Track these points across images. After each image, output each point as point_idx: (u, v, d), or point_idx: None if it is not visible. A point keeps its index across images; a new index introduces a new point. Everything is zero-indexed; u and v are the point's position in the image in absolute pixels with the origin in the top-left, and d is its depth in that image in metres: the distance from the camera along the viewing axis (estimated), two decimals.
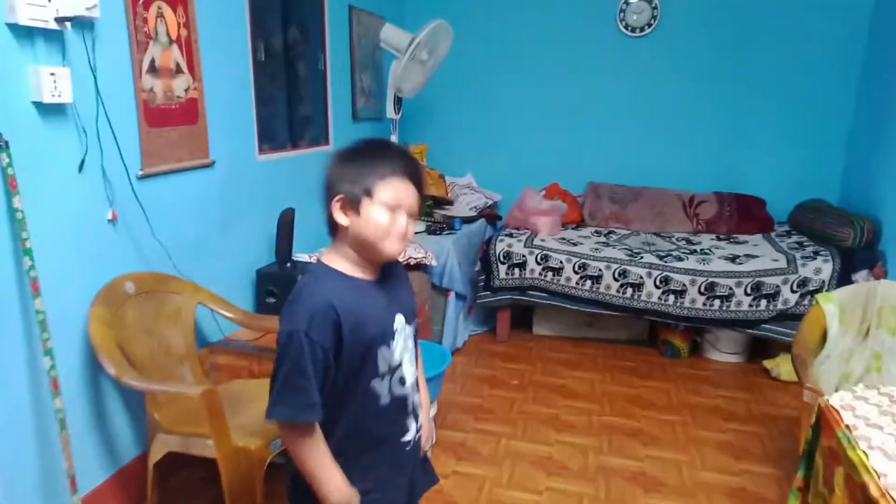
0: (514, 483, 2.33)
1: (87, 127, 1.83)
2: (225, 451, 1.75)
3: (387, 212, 1.13)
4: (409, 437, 1.26)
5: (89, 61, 1.78)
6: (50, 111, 1.71)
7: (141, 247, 2.09)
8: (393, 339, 1.19)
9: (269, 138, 2.90)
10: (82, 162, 1.82)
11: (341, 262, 1.19)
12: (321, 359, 1.09)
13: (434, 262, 3.25)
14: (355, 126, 3.73)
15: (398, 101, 3.54)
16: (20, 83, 1.63)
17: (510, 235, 3.66)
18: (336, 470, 1.14)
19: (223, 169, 2.50)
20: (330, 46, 3.35)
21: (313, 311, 1.09)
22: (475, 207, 4.07)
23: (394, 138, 3.58)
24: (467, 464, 2.44)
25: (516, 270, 3.52)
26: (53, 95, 1.67)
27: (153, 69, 2.09)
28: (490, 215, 4.19)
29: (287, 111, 3.09)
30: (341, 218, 1.15)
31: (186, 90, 2.26)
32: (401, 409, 1.24)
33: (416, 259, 3.13)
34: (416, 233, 3.48)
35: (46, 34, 1.68)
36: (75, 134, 1.80)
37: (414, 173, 1.17)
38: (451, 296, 3.39)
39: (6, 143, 1.58)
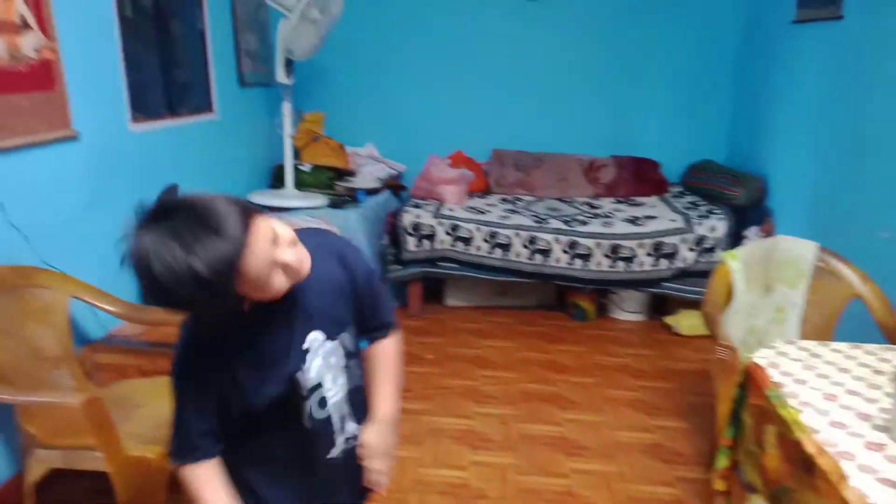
0: (438, 461, 2.26)
1: None
2: (118, 463, 1.53)
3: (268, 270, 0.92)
4: (335, 451, 1.14)
5: None
6: None
7: None
8: (304, 362, 1.06)
9: (144, 106, 2.57)
10: None
11: None
12: (209, 398, 1.03)
13: None
14: (243, 92, 3.42)
15: (290, 65, 3.28)
16: None
17: (417, 206, 3.54)
18: None
19: (90, 141, 2.17)
20: (208, 3, 3.01)
21: (197, 363, 1.03)
22: (379, 178, 3.90)
23: (286, 105, 3.32)
24: None
25: (426, 242, 3.42)
26: None
27: None
28: (395, 186, 4.04)
29: (163, 76, 2.75)
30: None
31: (37, 50, 1.92)
32: (323, 430, 1.12)
33: None
34: (319, 207, 3.28)
35: None
36: None
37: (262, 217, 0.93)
38: None
39: None
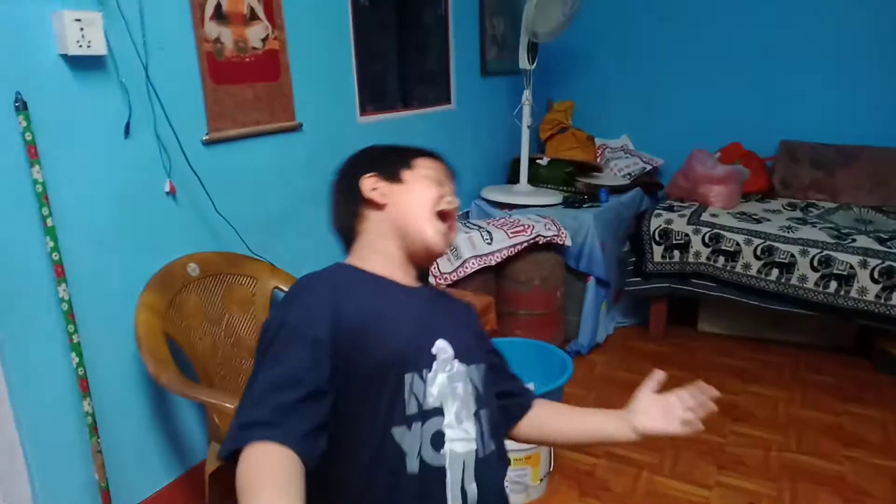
0: None
1: (132, 84, 1.57)
2: None
3: (433, 183, 0.95)
4: None
5: (118, 5, 1.50)
6: (82, 65, 1.46)
7: (208, 223, 1.83)
8: (429, 367, 0.84)
9: (376, 97, 2.53)
10: (127, 125, 1.57)
11: (371, 261, 0.93)
12: (311, 356, 0.77)
13: (568, 241, 2.70)
14: (485, 82, 3.24)
15: (533, 49, 2.99)
16: (43, 33, 1.39)
17: (670, 209, 2.97)
18: None
19: (314, 133, 2.17)
20: None
21: (308, 298, 0.84)
22: (629, 174, 3.40)
23: (526, 93, 3.04)
24: (593, 501, 1.92)
25: (676, 253, 2.83)
26: (80, 46, 1.41)
27: (219, 15, 1.79)
28: (649, 183, 3.49)
29: (398, 65, 2.69)
30: (377, 194, 0.93)
31: (264, 40, 1.94)
32: (435, 486, 0.81)
33: (545, 237, 2.61)
34: (551, 206, 2.95)
35: None
36: (117, 92, 1.55)
37: (447, 166, 1.01)
38: (591, 281, 2.82)
39: (24, 103, 1.35)
